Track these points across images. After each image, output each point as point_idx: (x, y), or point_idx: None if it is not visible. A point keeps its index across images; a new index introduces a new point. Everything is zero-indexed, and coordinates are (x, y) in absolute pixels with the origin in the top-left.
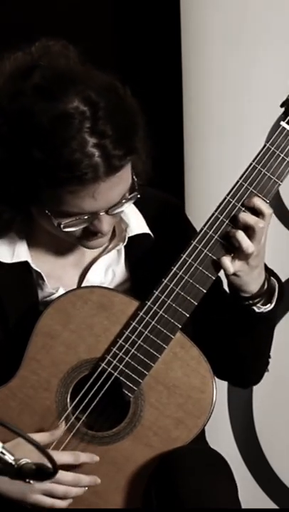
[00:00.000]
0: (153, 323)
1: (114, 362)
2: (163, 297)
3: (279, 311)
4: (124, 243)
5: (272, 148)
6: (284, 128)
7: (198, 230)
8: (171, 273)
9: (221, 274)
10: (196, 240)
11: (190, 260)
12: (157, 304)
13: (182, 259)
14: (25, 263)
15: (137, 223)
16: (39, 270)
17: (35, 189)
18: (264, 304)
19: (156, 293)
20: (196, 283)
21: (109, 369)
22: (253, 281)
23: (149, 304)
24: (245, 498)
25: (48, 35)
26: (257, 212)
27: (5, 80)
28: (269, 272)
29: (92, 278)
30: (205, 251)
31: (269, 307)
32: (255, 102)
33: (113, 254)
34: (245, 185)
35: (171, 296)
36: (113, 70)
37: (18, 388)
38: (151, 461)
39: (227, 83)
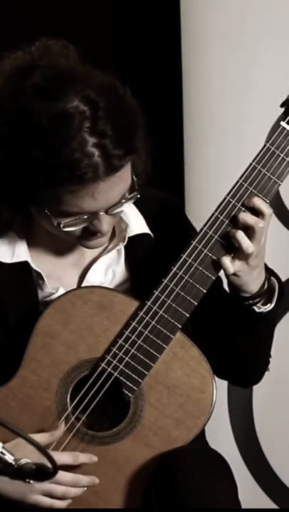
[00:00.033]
0: (153, 323)
1: (114, 362)
2: (163, 297)
3: (279, 311)
4: (124, 243)
5: (272, 148)
6: (284, 128)
7: (198, 230)
8: (171, 273)
9: (221, 273)
10: (196, 240)
11: (190, 260)
12: (157, 304)
13: (182, 259)
14: (25, 263)
15: (136, 223)
16: (39, 270)
17: (35, 189)
18: (264, 304)
19: (156, 293)
20: (196, 283)
21: (109, 369)
22: (253, 281)
23: (149, 303)
24: (245, 498)
25: (48, 35)
26: (257, 212)
27: (5, 79)
28: (269, 272)
29: (92, 278)
30: (205, 251)
31: (269, 307)
32: (255, 102)
33: (113, 254)
34: (245, 185)
35: (171, 296)
36: (113, 70)
37: (18, 388)
38: (151, 461)
39: (227, 83)
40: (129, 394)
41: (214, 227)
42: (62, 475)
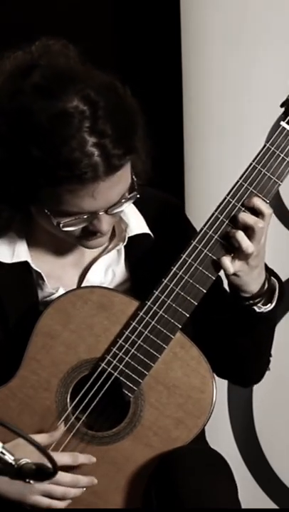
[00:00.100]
0: (153, 323)
1: (114, 362)
2: (163, 297)
3: (279, 310)
4: (124, 243)
5: (272, 148)
6: (284, 128)
7: (198, 230)
8: (171, 273)
9: (222, 273)
10: (196, 240)
11: (190, 260)
12: (157, 304)
13: (182, 259)
14: (25, 263)
15: (136, 223)
16: (39, 270)
17: (35, 188)
18: (264, 304)
19: (156, 293)
20: (196, 283)
21: (109, 369)
22: (253, 281)
23: (149, 304)
24: (245, 498)
25: (48, 35)
26: (257, 213)
27: (5, 78)
28: (269, 272)
29: (92, 278)
30: (205, 251)
31: (269, 307)
32: (255, 102)
33: (113, 254)
34: (245, 185)
35: (171, 296)
36: (113, 70)
37: (18, 388)
38: (151, 461)
39: (227, 83)
40: (129, 394)
41: (214, 227)
42: (61, 475)
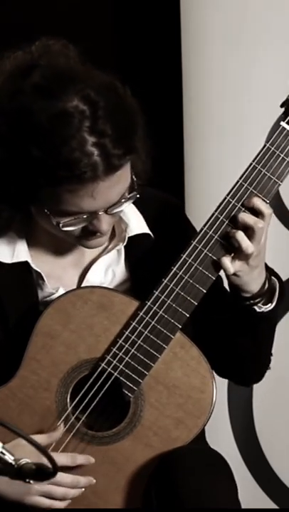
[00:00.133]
0: (153, 323)
1: (114, 362)
2: (163, 297)
3: (279, 310)
4: (124, 243)
5: (272, 149)
6: (284, 128)
7: (198, 230)
8: (171, 273)
9: (222, 273)
10: (196, 240)
11: (190, 260)
12: (157, 304)
13: (182, 259)
14: (25, 263)
15: (136, 223)
16: (39, 270)
17: (35, 188)
18: (265, 304)
19: (156, 293)
20: (196, 283)
21: (109, 369)
22: (253, 281)
23: (149, 304)
24: (245, 498)
25: (48, 35)
26: (257, 213)
27: (5, 78)
28: (270, 272)
29: (92, 278)
30: (205, 251)
31: (270, 307)
32: (255, 102)
33: (113, 254)
34: (245, 185)
35: (171, 296)
36: (113, 70)
37: (18, 388)
38: (151, 461)
39: (227, 83)
40: (129, 394)
41: (214, 227)
42: (61, 476)
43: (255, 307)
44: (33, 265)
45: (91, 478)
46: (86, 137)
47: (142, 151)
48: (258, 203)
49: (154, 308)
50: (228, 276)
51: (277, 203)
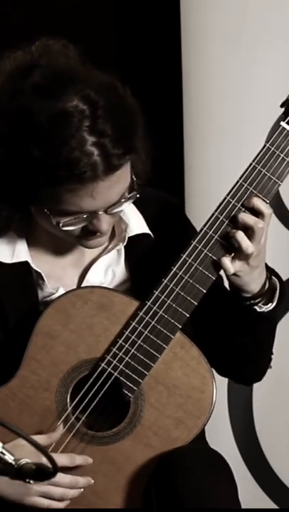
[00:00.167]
0: (153, 323)
1: (114, 362)
2: (163, 297)
3: (280, 310)
4: (124, 243)
5: (272, 149)
6: (284, 128)
7: (198, 230)
8: (171, 273)
9: (222, 273)
10: (196, 240)
11: (190, 260)
12: (157, 304)
13: (182, 259)
14: (25, 263)
15: (136, 223)
16: (39, 270)
17: (35, 188)
18: (265, 304)
19: (156, 293)
20: (196, 283)
21: (109, 369)
22: (253, 281)
23: (149, 304)
24: (245, 498)
25: (48, 35)
26: (257, 213)
27: (5, 78)
28: (270, 272)
29: (92, 278)
30: (205, 251)
31: (270, 307)
32: (255, 102)
33: (113, 254)
34: (245, 185)
35: (171, 296)
36: (113, 70)
37: (18, 388)
38: (151, 461)
39: (227, 83)
40: (129, 394)
41: (214, 227)
42: (60, 477)
43: (256, 307)
44: (33, 265)
45: (90, 478)
46: (86, 137)
47: (142, 151)
48: (258, 203)
49: (154, 308)
50: (228, 276)
51: (277, 203)
